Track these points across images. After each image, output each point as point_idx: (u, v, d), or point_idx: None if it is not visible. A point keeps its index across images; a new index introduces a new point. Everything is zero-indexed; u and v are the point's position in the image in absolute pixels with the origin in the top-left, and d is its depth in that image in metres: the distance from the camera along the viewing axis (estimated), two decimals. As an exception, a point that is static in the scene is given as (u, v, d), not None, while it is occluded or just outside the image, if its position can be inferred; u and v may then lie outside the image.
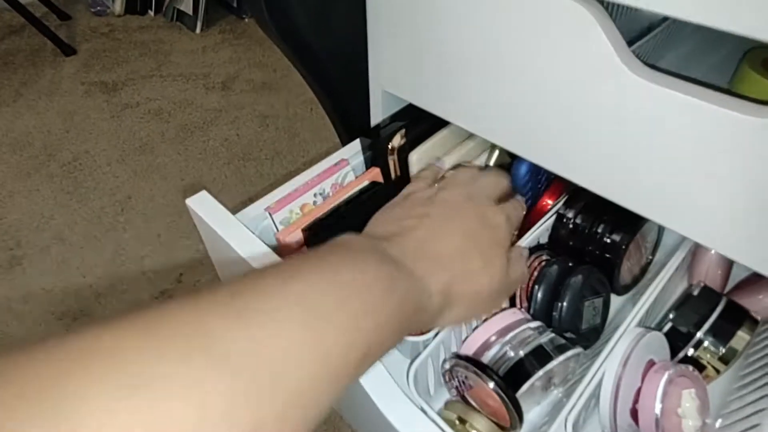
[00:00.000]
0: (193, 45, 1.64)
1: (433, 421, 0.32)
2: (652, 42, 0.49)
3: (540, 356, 0.37)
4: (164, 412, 0.15)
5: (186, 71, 1.49)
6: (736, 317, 0.40)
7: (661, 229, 0.50)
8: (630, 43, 0.46)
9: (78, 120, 1.30)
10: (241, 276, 0.21)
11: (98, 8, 1.84)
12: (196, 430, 0.15)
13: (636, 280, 0.51)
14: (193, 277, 0.89)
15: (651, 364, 0.39)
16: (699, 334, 0.39)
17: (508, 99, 0.40)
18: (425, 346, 0.38)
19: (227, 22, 1.75)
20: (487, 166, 0.56)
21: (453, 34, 0.41)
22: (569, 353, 0.37)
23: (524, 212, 0.39)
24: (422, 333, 0.38)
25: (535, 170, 0.54)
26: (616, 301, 0.49)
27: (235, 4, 1.79)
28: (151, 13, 1.85)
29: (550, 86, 0.36)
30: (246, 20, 1.76)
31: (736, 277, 0.49)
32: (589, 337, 0.45)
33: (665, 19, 0.50)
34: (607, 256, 0.46)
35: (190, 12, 1.72)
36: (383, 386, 0.33)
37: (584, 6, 0.32)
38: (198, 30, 1.72)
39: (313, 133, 1.22)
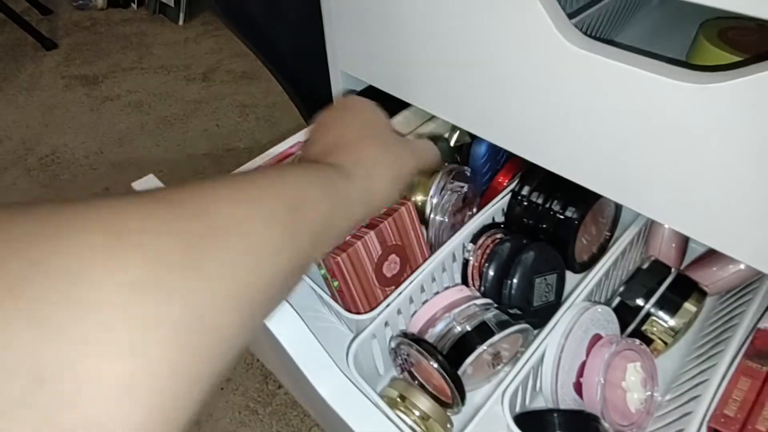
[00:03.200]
0: (175, 37, 1.62)
1: (365, 395, 0.32)
2: (603, 14, 0.48)
3: (483, 332, 0.37)
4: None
5: (167, 63, 1.48)
6: (683, 290, 0.39)
7: (618, 206, 0.50)
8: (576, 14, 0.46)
9: (58, 114, 1.29)
10: None
11: (80, 2, 1.82)
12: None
13: (595, 259, 0.50)
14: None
15: (597, 338, 0.38)
16: (647, 307, 0.39)
17: (459, 78, 0.39)
18: (367, 325, 0.38)
19: (209, 13, 1.74)
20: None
21: (403, 15, 0.40)
22: (512, 329, 0.37)
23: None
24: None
25: (494, 150, 0.53)
26: (575, 280, 0.48)
27: (217, -5, 1.77)
28: (134, 5, 1.84)
29: (497, 64, 0.35)
30: (229, 11, 1.75)
31: (696, 252, 0.49)
32: (543, 314, 0.44)
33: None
34: (562, 232, 0.45)
35: (172, 4, 1.70)
36: (317, 365, 0.33)
37: (520, -23, 0.31)
38: (180, 22, 1.70)
39: (293, 122, 1.21)
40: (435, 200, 0.44)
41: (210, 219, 0.19)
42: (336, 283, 0.42)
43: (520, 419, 0.34)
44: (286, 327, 0.34)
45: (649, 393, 0.37)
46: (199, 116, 1.26)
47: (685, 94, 0.28)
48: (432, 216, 0.44)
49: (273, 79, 1.36)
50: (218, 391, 0.71)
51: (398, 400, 0.36)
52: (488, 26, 0.34)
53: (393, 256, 0.43)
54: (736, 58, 0.42)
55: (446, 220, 0.45)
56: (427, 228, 0.45)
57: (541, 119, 0.35)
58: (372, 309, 0.39)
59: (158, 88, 1.37)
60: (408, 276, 0.45)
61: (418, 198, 0.45)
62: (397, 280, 0.44)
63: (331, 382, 0.32)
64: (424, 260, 0.46)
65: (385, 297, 0.43)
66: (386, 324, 0.39)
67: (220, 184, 0.22)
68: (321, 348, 0.34)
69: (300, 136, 0.53)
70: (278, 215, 0.22)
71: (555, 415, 0.35)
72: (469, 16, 0.35)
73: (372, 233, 0.40)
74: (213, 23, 1.68)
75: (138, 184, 0.43)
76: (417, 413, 0.35)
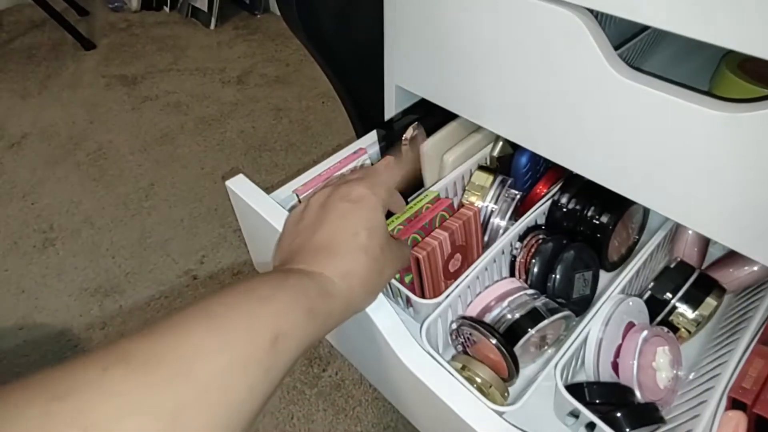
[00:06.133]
0: (208, 40, 1.69)
1: (440, 364, 0.38)
2: (638, 45, 0.54)
3: (534, 317, 0.43)
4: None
5: (202, 66, 1.55)
6: (705, 286, 0.46)
7: (646, 212, 0.56)
8: (618, 47, 0.52)
9: (101, 111, 1.36)
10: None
11: (115, 4, 1.89)
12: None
13: (623, 259, 0.57)
14: (214, 258, 0.96)
15: (631, 325, 0.45)
16: (673, 301, 0.45)
17: (510, 96, 0.45)
18: (435, 309, 0.44)
19: (240, 18, 1.81)
20: (492, 157, 0.62)
21: (460, 37, 0.46)
22: (560, 314, 0.43)
23: (390, 169, 0.39)
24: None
25: (535, 160, 0.60)
26: (606, 277, 0.55)
27: (247, 1, 1.84)
28: (167, 9, 1.91)
29: (547, 86, 0.41)
30: (258, 17, 1.82)
31: (714, 256, 0.55)
32: (580, 305, 0.51)
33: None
34: (597, 235, 0.52)
35: (205, 8, 1.78)
36: (402, 339, 0.39)
37: (576, 14, 0.37)
38: (212, 26, 1.78)
39: (325, 126, 1.28)
40: (491, 206, 0.51)
41: (191, 381, 0.20)
42: (409, 277, 0.49)
43: (567, 389, 0.41)
44: (382, 313, 0.40)
45: (676, 372, 0.43)
46: (235, 118, 1.33)
47: (715, 121, 0.34)
48: (491, 220, 0.51)
49: (305, 85, 1.43)
50: (267, 372, 0.78)
51: (462, 370, 0.43)
52: (544, 54, 0.40)
53: (458, 254, 0.49)
54: (755, 88, 0.48)
55: (504, 223, 0.51)
56: (485, 231, 0.51)
57: (586, 135, 0.41)
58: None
59: (195, 89, 1.44)
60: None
61: (478, 204, 0.52)
62: (457, 275, 0.50)
63: (414, 355, 0.39)
64: (480, 256, 0.52)
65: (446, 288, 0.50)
66: (449, 308, 0.46)
67: (200, 329, 0.22)
68: (406, 329, 0.40)
69: (362, 142, 0.59)
70: (258, 355, 0.23)
71: (595, 386, 0.41)
72: (526, 44, 0.41)
73: (446, 235, 0.46)
74: (244, 28, 1.75)
75: (231, 183, 0.50)
76: (479, 380, 0.42)
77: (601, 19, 0.49)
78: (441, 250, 0.46)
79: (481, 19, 0.43)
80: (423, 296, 0.48)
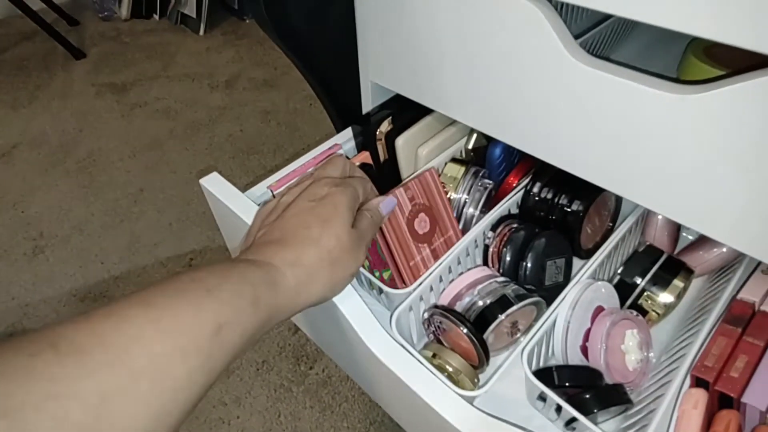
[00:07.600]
0: (197, 46, 1.71)
1: (408, 351, 0.38)
2: (603, 34, 0.55)
3: (504, 303, 0.44)
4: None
5: (191, 71, 1.56)
6: (672, 268, 0.46)
7: (618, 200, 0.57)
8: (580, 37, 0.53)
9: (91, 119, 1.37)
10: None
11: (105, 13, 1.91)
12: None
13: (598, 247, 0.57)
14: (202, 261, 0.96)
15: (600, 309, 0.45)
16: (642, 284, 0.46)
17: (480, 88, 0.46)
18: (405, 298, 0.45)
19: (229, 23, 1.82)
20: (466, 149, 0.63)
21: (430, 32, 0.47)
22: (529, 300, 0.44)
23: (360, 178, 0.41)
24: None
25: (509, 151, 0.60)
26: (580, 265, 0.55)
27: (236, 6, 1.86)
28: (156, 16, 1.92)
29: (511, 75, 0.42)
30: (247, 21, 1.83)
31: (688, 242, 0.55)
32: (554, 292, 0.51)
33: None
34: (569, 222, 0.52)
35: (194, 15, 1.79)
36: (368, 327, 0.40)
37: (534, 4, 0.38)
38: (201, 32, 1.79)
39: (313, 127, 1.28)
40: (464, 196, 0.51)
41: (122, 369, 0.20)
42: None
43: (536, 374, 0.41)
44: (349, 303, 0.40)
45: (645, 355, 0.44)
46: (223, 122, 1.33)
47: (669, 103, 0.34)
48: (464, 210, 0.51)
49: (293, 87, 1.44)
50: (254, 371, 0.78)
51: (432, 358, 0.43)
52: (507, 46, 0.41)
53: (422, 214, 0.49)
54: (719, 72, 0.49)
55: (477, 212, 0.52)
56: (459, 220, 0.52)
57: (552, 123, 0.42)
58: (408, 262, 0.46)
59: (184, 95, 1.45)
60: (438, 237, 0.51)
61: (451, 195, 0.52)
62: (428, 239, 0.50)
63: (383, 344, 0.39)
64: (452, 224, 0.52)
65: (419, 252, 0.49)
66: (420, 298, 0.46)
67: (138, 317, 0.22)
68: (374, 319, 0.40)
69: (338, 138, 0.60)
70: (199, 345, 0.23)
71: (564, 369, 0.42)
72: (489, 37, 0.42)
73: (401, 188, 0.46)
74: (232, 33, 1.76)
75: (205, 181, 0.51)
76: (450, 369, 0.42)
77: (565, 12, 0.49)
78: (399, 206, 0.46)
79: (446, 12, 0.44)
80: (394, 261, 0.48)
